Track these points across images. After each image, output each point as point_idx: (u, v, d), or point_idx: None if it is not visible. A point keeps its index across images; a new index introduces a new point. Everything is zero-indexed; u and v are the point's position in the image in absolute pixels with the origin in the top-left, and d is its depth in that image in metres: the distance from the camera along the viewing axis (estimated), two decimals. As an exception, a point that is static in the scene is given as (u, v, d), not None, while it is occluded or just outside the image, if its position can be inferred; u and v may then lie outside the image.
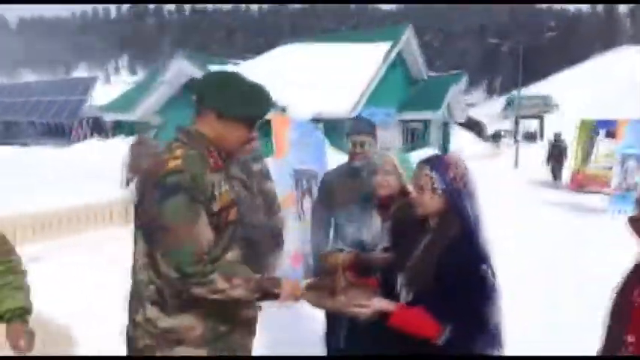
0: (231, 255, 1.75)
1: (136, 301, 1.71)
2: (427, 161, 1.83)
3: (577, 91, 45.07)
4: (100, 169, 10.71)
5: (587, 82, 48.38)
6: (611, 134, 13.13)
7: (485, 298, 1.72)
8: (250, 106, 1.71)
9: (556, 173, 14.90)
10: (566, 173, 14.38)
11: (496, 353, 1.77)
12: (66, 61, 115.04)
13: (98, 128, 26.50)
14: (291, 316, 3.56)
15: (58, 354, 3.40)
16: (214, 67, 17.14)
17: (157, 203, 1.55)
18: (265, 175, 2.65)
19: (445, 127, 25.58)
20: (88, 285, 4.58)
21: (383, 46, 20.76)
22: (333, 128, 17.88)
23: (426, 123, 23.82)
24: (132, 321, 1.71)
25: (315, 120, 17.63)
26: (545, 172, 15.18)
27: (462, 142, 26.24)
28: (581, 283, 5.38)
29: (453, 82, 23.73)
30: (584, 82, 48.68)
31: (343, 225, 2.21)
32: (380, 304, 1.72)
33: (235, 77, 1.77)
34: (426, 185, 1.78)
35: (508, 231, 7.68)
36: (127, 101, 20.77)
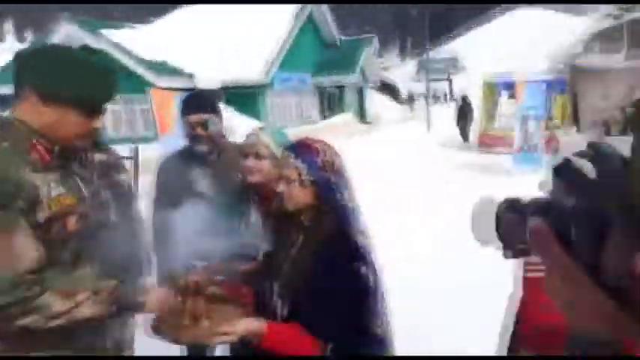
0: (84, 271, 1.40)
1: None
2: (292, 149, 1.57)
3: (480, 53, 47.21)
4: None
5: (490, 43, 50.81)
6: (512, 95, 13.75)
7: (366, 304, 1.48)
8: (82, 86, 1.33)
9: (464, 134, 15.46)
10: (474, 134, 14.93)
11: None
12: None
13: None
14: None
15: None
16: (108, 32, 15.68)
17: None
18: (114, 166, 2.20)
19: (361, 91, 25.72)
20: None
21: (292, 8, 20.12)
22: (244, 96, 17.32)
23: (342, 88, 23.78)
24: None
25: (226, 88, 16.97)
26: (456, 134, 15.70)
27: (378, 106, 26.63)
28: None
29: (366, 45, 23.79)
30: (486, 43, 51.10)
31: (189, 230, 1.77)
32: (247, 327, 1.41)
33: (65, 50, 1.46)
34: (293, 176, 1.50)
35: (419, 195, 7.80)
36: (10, 73, 18.58)
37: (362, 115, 25.30)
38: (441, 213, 6.76)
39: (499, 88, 14.85)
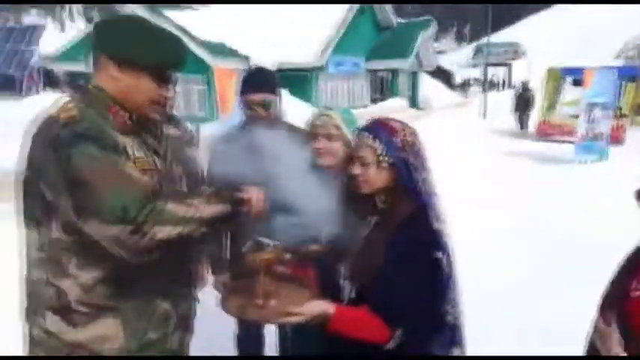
0: None
1: (32, 310, 1.37)
2: (368, 128, 1.50)
3: (545, 38, 44.91)
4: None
5: (553, 27, 48.20)
6: (577, 82, 13.07)
7: (440, 291, 1.45)
8: (154, 52, 1.39)
9: (522, 122, 14.88)
10: (533, 122, 14.34)
11: (456, 352, 1.53)
12: (13, 7, 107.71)
13: (51, 80, 25.00)
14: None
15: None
16: (170, 13, 16.08)
17: (59, 164, 1.21)
18: (186, 141, 2.26)
19: (414, 76, 25.16)
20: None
21: (349, -9, 19.82)
22: (298, 79, 17.37)
23: (395, 72, 23.34)
24: (30, 337, 1.38)
25: (280, 70, 17.07)
26: (512, 121, 15.14)
27: (431, 92, 25.98)
28: (549, 234, 5.31)
29: (422, 29, 23.13)
30: (549, 27, 48.51)
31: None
32: (315, 309, 1.41)
33: (136, 19, 1.47)
34: (370, 157, 1.46)
35: (473, 183, 7.59)
36: (79, 51, 19.42)
37: (414, 100, 24.79)
38: (494, 205, 6.57)
39: (563, 74, 14.15)
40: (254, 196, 1.43)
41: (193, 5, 19.05)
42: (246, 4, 19.03)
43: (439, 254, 1.43)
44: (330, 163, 1.84)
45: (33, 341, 1.37)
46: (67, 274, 1.30)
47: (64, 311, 1.31)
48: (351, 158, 1.61)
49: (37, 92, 23.37)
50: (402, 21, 24.91)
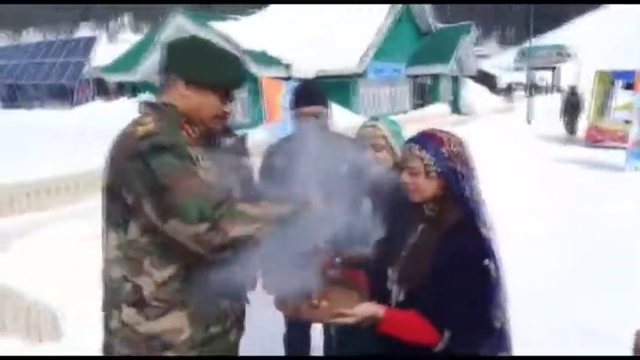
0: None
1: (109, 304, 1.50)
2: (416, 140, 1.57)
3: (593, 39, 43.32)
4: (104, 131, 10.43)
5: (604, 29, 46.43)
6: (629, 86, 12.57)
7: (489, 297, 1.48)
8: (220, 73, 1.52)
9: (571, 127, 14.41)
10: (582, 127, 13.87)
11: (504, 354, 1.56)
12: (68, 20, 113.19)
13: (102, 89, 26.16)
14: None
15: (44, 332, 3.29)
16: (214, 24, 16.55)
17: (142, 174, 1.33)
18: (241, 150, 2.38)
19: (455, 80, 24.83)
20: (85, 258, 4.43)
21: (389, -2, 19.80)
22: (338, 86, 17.46)
23: (436, 77, 23.10)
24: (107, 328, 1.51)
25: (320, 78, 17.23)
26: (559, 127, 14.68)
27: (473, 96, 25.53)
28: (595, 241, 5.17)
29: (463, 34, 22.83)
30: (600, 29, 46.74)
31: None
32: (366, 311, 1.48)
33: (204, 42, 1.60)
34: (418, 167, 1.52)
35: (519, 191, 7.44)
36: (128, 61, 20.20)
37: (456, 105, 24.43)
38: (539, 211, 6.42)
39: (614, 77, 13.63)
40: (312, 198, 1.51)
41: (236, 15, 19.53)
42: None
43: (487, 261, 1.46)
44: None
45: (109, 331, 1.50)
46: (142, 271, 1.42)
47: (139, 305, 1.43)
48: (398, 167, 1.67)
49: (87, 101, 24.53)
50: (442, 26, 24.65)
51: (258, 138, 7.97)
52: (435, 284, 1.46)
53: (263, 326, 2.92)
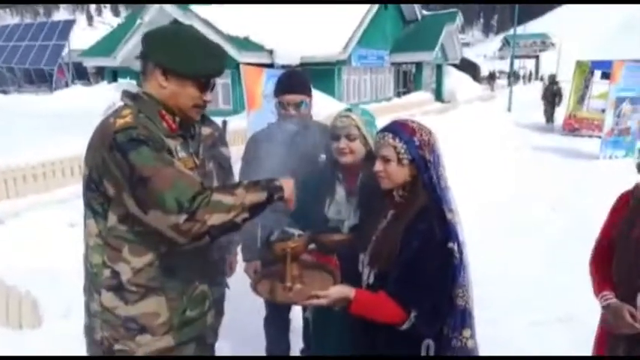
0: None
1: (90, 288, 1.55)
2: (389, 129, 1.64)
3: (576, 28, 43.79)
4: (82, 116, 10.26)
5: (587, 17, 46.92)
6: (606, 76, 12.82)
7: (451, 277, 1.58)
8: (198, 64, 1.52)
9: (549, 116, 14.66)
10: (561, 116, 14.12)
11: (466, 334, 1.64)
12: (46, 2, 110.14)
13: (80, 74, 25.67)
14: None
15: (22, 317, 3.30)
16: (196, 8, 16.31)
17: (121, 165, 1.36)
18: (218, 139, 2.41)
19: (439, 68, 24.96)
20: (62, 244, 4.42)
21: (374, -17, 19.72)
22: (322, 73, 17.43)
23: (419, 65, 23.18)
24: (88, 310, 1.56)
25: (304, 64, 17.16)
26: (539, 115, 14.93)
27: (456, 85, 25.71)
28: (569, 228, 5.33)
29: (448, 21, 22.88)
30: (583, 18, 47.22)
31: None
32: (337, 293, 1.55)
33: (183, 31, 1.59)
34: (391, 155, 1.60)
35: (495, 177, 7.59)
36: (107, 46, 19.81)
37: (439, 93, 24.61)
38: (517, 200, 6.57)
39: (592, 67, 13.88)
40: (287, 184, 1.54)
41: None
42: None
43: (450, 244, 1.55)
44: (351, 160, 1.96)
45: (90, 314, 1.55)
46: (121, 258, 1.47)
47: (118, 290, 1.48)
48: (370, 156, 1.73)
49: (67, 86, 24.06)
50: (427, 13, 24.66)
51: (238, 125, 7.98)
52: (401, 266, 1.54)
53: (245, 310, 3.00)
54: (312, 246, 1.84)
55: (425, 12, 24.49)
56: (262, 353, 2.87)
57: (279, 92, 2.43)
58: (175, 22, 16.10)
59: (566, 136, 12.64)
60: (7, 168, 5.97)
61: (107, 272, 1.48)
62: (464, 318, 1.63)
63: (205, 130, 2.32)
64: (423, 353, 1.62)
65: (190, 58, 1.50)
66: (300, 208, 1.73)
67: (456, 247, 1.56)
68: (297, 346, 2.75)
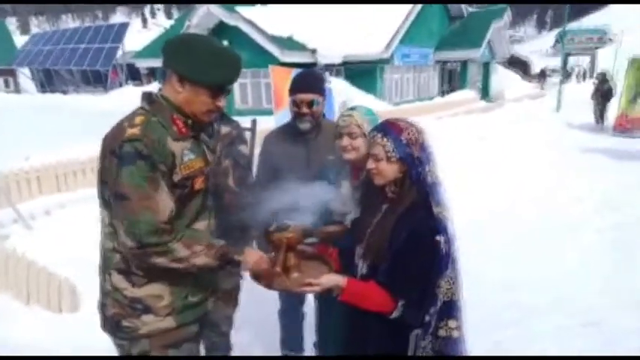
0: (202, 224, 1.74)
1: (104, 269, 1.71)
2: (379, 129, 1.72)
3: (635, 23, 41.47)
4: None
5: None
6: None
7: (439, 269, 1.63)
8: (211, 73, 1.63)
9: (598, 116, 14.02)
10: (612, 115, 13.46)
11: (452, 325, 1.69)
12: (105, 6, 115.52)
13: (133, 75, 26.80)
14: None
15: (62, 302, 3.57)
16: (241, 9, 16.71)
17: (114, 171, 1.52)
18: (236, 137, 2.53)
19: (485, 66, 24.35)
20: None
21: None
22: (364, 71, 17.43)
23: (465, 63, 22.71)
24: (102, 289, 1.73)
25: (346, 63, 17.20)
26: (589, 115, 14.31)
27: (503, 83, 25.00)
28: (617, 236, 5.13)
29: (495, 18, 22.28)
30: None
31: (286, 196, 1.88)
32: (329, 281, 1.65)
33: (200, 41, 1.67)
34: (380, 154, 1.68)
35: (535, 179, 7.38)
36: (158, 47, 20.60)
37: (485, 92, 24.01)
38: (559, 202, 6.37)
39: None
40: (250, 257, 1.70)
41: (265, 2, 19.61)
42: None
43: (438, 236, 1.60)
44: (354, 158, 2.04)
45: (104, 293, 1.72)
46: None
47: (126, 273, 1.64)
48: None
49: (120, 86, 25.20)
50: (474, 10, 24.08)
51: (267, 126, 8.14)
52: (390, 258, 1.62)
53: (262, 302, 3.12)
54: (312, 239, 1.95)
55: (470, 9, 23.92)
56: (277, 345, 2.98)
57: (292, 91, 2.52)
58: (221, 23, 16.57)
59: (617, 137, 12.06)
60: (58, 164, 6.38)
61: (117, 257, 1.63)
62: (450, 309, 1.68)
63: (224, 129, 2.46)
64: (413, 343, 1.67)
65: (204, 68, 1.61)
66: (310, 202, 1.85)
67: (442, 240, 1.61)
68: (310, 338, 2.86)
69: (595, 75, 19.35)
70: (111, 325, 1.70)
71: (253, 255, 1.72)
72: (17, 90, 30.28)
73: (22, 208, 5.00)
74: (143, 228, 1.48)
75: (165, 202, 1.54)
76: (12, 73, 31.88)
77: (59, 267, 3.76)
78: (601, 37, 40.24)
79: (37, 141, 8.06)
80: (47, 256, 3.97)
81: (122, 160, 1.50)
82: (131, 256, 1.57)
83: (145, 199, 1.50)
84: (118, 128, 1.58)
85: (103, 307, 1.73)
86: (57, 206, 5.41)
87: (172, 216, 1.56)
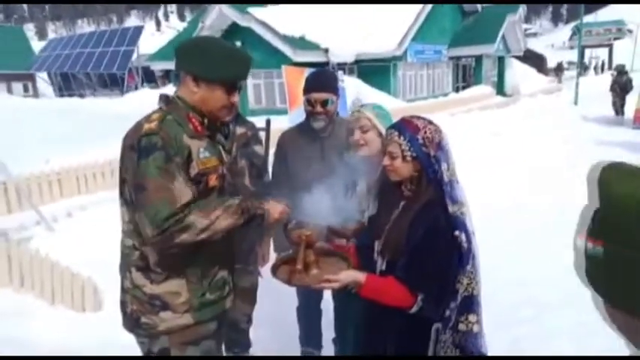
0: None
1: (123, 267, 1.76)
2: (395, 127, 1.74)
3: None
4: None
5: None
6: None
7: (460, 264, 1.64)
8: (224, 69, 1.70)
9: (617, 108, 13.80)
10: (631, 109, 13.24)
11: (472, 319, 1.70)
12: (119, 10, 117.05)
13: (149, 77, 27.13)
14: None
15: (85, 301, 3.65)
16: (254, 10, 16.79)
17: (133, 165, 1.57)
18: (252, 138, 2.57)
19: (500, 61, 24.09)
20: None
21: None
22: (377, 69, 17.38)
23: (479, 58, 22.50)
24: (122, 286, 1.77)
25: (359, 62, 17.16)
26: (608, 108, 14.09)
27: (519, 77, 24.70)
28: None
29: (510, 12, 22.03)
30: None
31: (303, 195, 1.89)
32: (348, 277, 1.66)
33: (210, 42, 1.76)
34: (396, 152, 1.69)
35: (553, 174, 7.31)
36: (172, 50, 20.66)
37: (500, 87, 23.75)
38: (578, 198, 6.28)
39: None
40: (274, 209, 1.73)
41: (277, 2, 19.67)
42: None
43: (457, 232, 1.62)
44: (368, 153, 2.06)
45: (123, 290, 1.76)
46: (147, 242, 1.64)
47: (145, 270, 1.68)
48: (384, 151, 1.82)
49: (136, 89, 25.52)
50: (487, 5, 23.85)
51: (282, 125, 8.22)
52: (409, 254, 1.63)
53: (279, 299, 3.16)
54: (331, 235, 1.98)
55: (485, 5, 23.67)
56: (297, 341, 3.01)
57: (306, 91, 2.55)
58: (234, 24, 16.68)
59: (636, 130, 11.86)
60: (78, 166, 6.50)
61: (137, 254, 1.68)
62: (470, 304, 1.69)
63: (239, 130, 2.50)
64: (433, 337, 1.68)
65: (216, 65, 1.68)
66: (327, 200, 1.88)
67: (463, 237, 1.62)
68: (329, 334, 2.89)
69: (613, 67, 19.04)
70: (131, 322, 1.74)
71: (277, 206, 1.75)
72: (36, 94, 30.85)
73: (44, 210, 5.11)
74: (161, 213, 1.51)
75: (182, 191, 1.57)
76: (31, 78, 32.51)
77: (81, 267, 3.84)
78: (620, 29, 39.54)
79: (57, 144, 8.23)
80: (69, 256, 4.05)
81: (140, 153, 1.56)
82: (157, 248, 1.59)
83: (162, 189, 1.53)
84: (136, 126, 1.65)
85: (123, 304, 1.77)
86: (78, 208, 5.51)
87: (191, 203, 1.58)
